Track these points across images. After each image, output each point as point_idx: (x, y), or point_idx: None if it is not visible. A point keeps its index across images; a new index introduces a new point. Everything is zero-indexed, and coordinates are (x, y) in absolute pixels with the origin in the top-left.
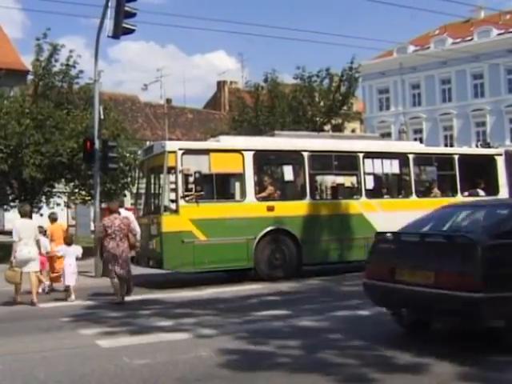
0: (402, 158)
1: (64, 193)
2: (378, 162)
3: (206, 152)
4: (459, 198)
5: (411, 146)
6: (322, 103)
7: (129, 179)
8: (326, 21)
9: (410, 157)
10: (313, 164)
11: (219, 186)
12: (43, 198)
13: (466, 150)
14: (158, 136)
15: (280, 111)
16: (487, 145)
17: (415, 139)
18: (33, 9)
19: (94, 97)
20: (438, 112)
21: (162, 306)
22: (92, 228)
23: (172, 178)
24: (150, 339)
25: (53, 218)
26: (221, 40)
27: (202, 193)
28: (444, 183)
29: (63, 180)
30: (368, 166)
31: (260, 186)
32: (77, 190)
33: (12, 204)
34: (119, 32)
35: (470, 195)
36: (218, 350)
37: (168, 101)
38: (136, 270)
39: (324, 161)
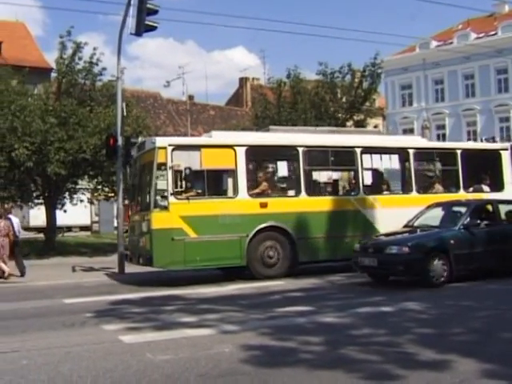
0: (401, 153)
1: (87, 189)
2: (376, 157)
3: (197, 148)
4: (462, 194)
5: (411, 141)
6: (344, 99)
7: None
8: (347, 16)
9: (411, 152)
10: (308, 159)
11: (211, 183)
12: (67, 195)
13: (469, 144)
14: (180, 133)
15: (302, 107)
16: (493, 140)
17: (438, 135)
18: (52, 6)
19: (116, 94)
20: (461, 107)
21: (185, 301)
22: (115, 224)
23: (163, 174)
24: (172, 335)
25: None
26: (240, 36)
27: (199, 191)
28: (446, 179)
29: (86, 177)
30: (366, 161)
31: (253, 183)
32: (100, 187)
33: (36, 201)
34: (142, 29)
35: (474, 191)
36: (240, 346)
37: (190, 97)
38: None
39: (320, 156)
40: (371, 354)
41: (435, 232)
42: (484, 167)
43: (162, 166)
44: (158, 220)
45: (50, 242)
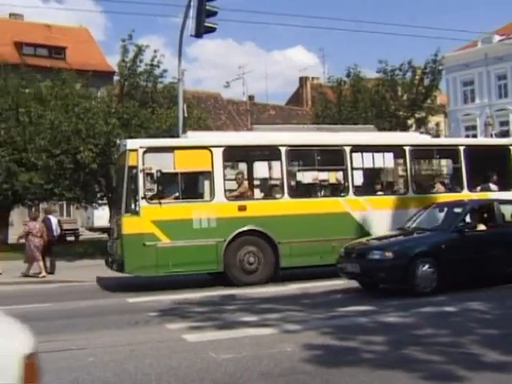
0: (396, 150)
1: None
2: (368, 155)
3: (171, 149)
4: (466, 194)
5: (408, 138)
6: (404, 97)
7: None
8: (406, 13)
9: (407, 149)
10: (291, 159)
11: (185, 186)
12: None
13: (473, 140)
14: None
15: (363, 106)
16: (503, 135)
17: (501, 131)
18: (113, 11)
19: (177, 95)
20: None
21: (247, 301)
22: None
23: (135, 177)
24: (235, 334)
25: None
26: (299, 35)
27: (172, 194)
28: (448, 178)
29: None
30: (356, 160)
31: (231, 185)
32: None
33: (100, 202)
34: (201, 31)
35: (482, 190)
36: (302, 345)
37: (250, 97)
38: None
39: (304, 156)
40: (434, 354)
41: (425, 236)
42: (492, 165)
43: (133, 169)
44: (129, 225)
45: None
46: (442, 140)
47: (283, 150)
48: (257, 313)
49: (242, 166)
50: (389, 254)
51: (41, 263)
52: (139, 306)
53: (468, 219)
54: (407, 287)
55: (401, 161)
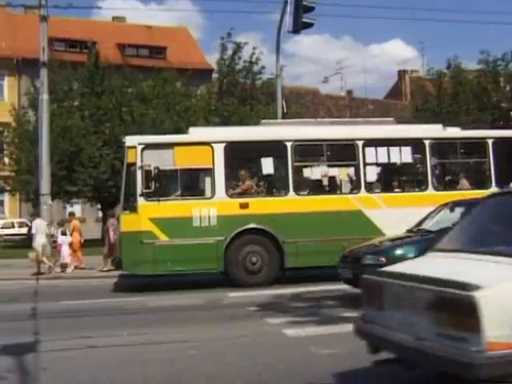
0: (415, 144)
1: None
2: (382, 150)
3: (170, 146)
4: (494, 191)
5: (429, 131)
6: (507, 88)
7: None
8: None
9: (426, 143)
10: (298, 155)
11: (185, 183)
12: None
13: (503, 132)
14: None
15: (464, 98)
16: None
17: None
18: (210, 10)
19: (276, 91)
20: None
21: (346, 296)
22: None
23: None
24: (335, 329)
25: None
26: (397, 28)
27: (171, 192)
28: (474, 174)
29: None
30: (370, 155)
31: (233, 182)
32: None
33: None
34: (299, 27)
35: None
36: None
37: (349, 92)
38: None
39: (312, 151)
40: None
41: (426, 239)
42: None
43: (131, 166)
44: (127, 222)
45: None
46: (469, 132)
47: (289, 145)
48: (356, 308)
49: (246, 163)
50: (382, 259)
51: (108, 259)
52: (239, 301)
53: None
54: None
55: (420, 155)
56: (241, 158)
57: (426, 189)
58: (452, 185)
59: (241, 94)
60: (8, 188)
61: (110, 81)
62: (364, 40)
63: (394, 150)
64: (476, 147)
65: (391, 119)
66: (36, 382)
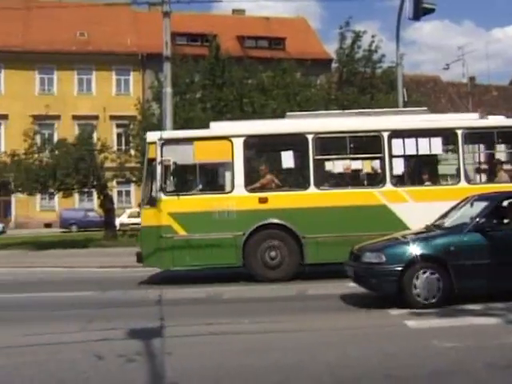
0: (446, 134)
1: None
2: (410, 141)
3: (190, 141)
4: None
5: (461, 120)
6: None
7: None
8: None
9: (459, 133)
10: (320, 148)
11: (205, 178)
12: None
13: None
14: None
15: None
16: None
17: None
18: None
19: (396, 80)
20: None
21: None
22: None
23: (156, 169)
24: (458, 322)
25: None
26: None
27: (191, 186)
28: None
29: None
30: (396, 147)
31: (252, 176)
32: None
33: None
34: (419, 13)
35: None
36: None
37: (471, 79)
38: None
39: (335, 143)
40: None
41: (433, 235)
42: None
43: (152, 162)
44: (147, 217)
45: None
46: (506, 121)
47: (310, 137)
48: (480, 302)
49: (265, 156)
50: (382, 257)
51: None
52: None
53: (491, 216)
54: (403, 297)
55: (452, 146)
56: (261, 151)
57: (458, 182)
58: (488, 177)
59: (361, 83)
60: (134, 179)
61: (230, 73)
62: (486, 24)
63: (423, 140)
64: None
65: (424, 108)
66: (162, 366)
